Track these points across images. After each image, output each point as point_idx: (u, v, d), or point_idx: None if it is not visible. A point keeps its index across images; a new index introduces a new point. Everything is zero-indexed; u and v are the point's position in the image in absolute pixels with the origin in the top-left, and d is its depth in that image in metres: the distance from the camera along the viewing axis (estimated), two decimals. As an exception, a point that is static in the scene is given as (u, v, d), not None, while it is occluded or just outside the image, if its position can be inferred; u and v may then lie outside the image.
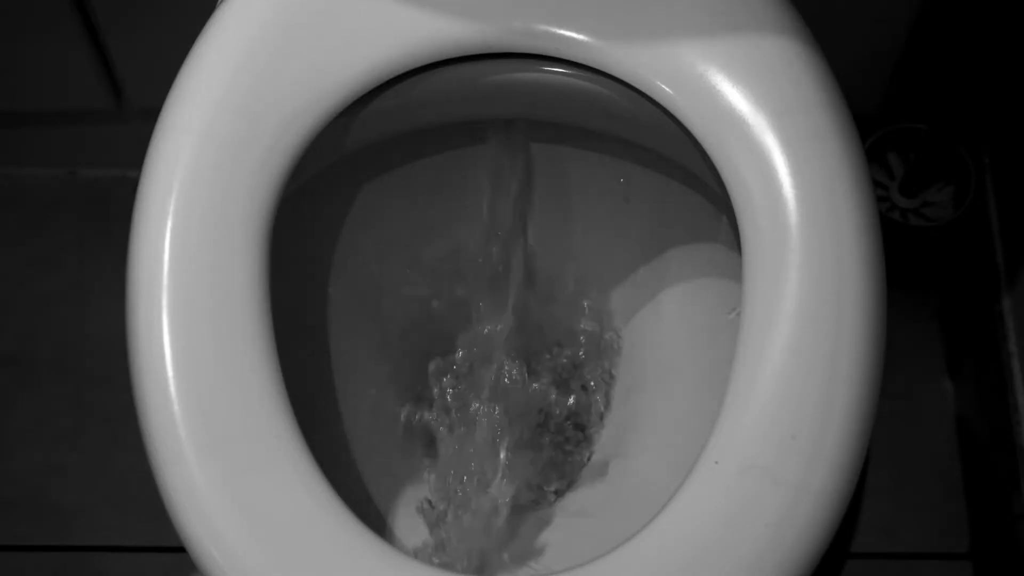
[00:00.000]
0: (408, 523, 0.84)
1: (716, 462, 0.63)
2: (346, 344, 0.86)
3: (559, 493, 0.89)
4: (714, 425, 0.64)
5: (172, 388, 0.64)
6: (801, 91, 0.70)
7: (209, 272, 0.67)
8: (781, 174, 0.68)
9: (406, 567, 0.62)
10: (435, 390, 0.90)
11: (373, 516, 0.83)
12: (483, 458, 0.85)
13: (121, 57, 1.07)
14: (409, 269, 0.91)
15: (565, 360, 0.94)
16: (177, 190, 0.68)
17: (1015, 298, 1.05)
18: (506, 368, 0.89)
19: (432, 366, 0.91)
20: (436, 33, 0.73)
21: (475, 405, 0.87)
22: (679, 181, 0.81)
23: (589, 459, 0.91)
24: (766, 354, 0.64)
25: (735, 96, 0.70)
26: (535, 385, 0.93)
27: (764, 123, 0.69)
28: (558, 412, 0.92)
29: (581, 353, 0.94)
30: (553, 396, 0.93)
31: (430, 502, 0.86)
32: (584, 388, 0.93)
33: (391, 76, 0.73)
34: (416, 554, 0.81)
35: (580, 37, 0.73)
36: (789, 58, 0.71)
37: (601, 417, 0.92)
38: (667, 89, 0.72)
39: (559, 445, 0.92)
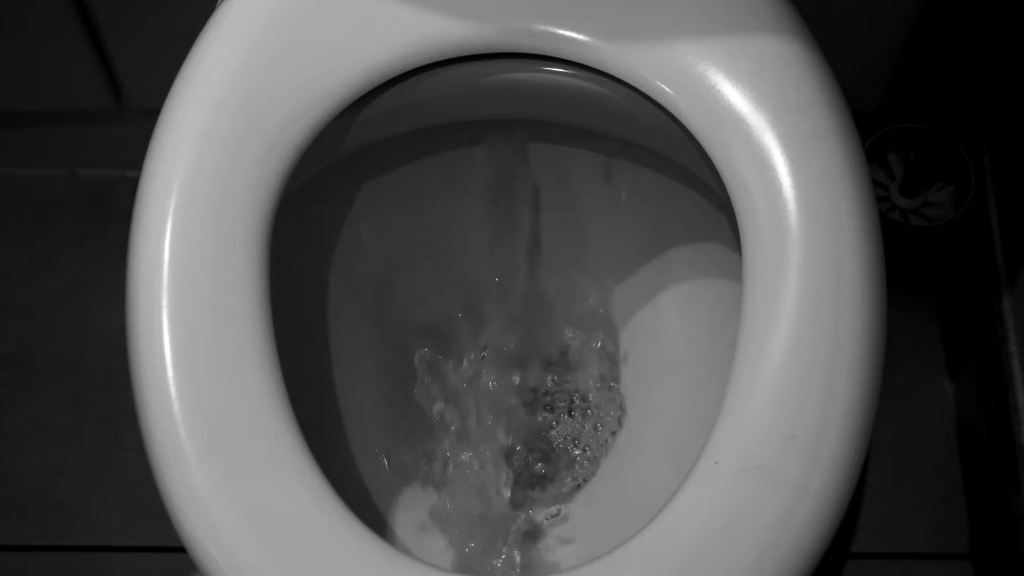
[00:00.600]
0: (408, 522, 0.85)
1: (716, 462, 0.63)
2: (346, 343, 0.86)
3: (558, 495, 0.90)
4: (714, 425, 0.64)
5: (172, 388, 0.64)
6: (801, 91, 0.70)
7: (209, 272, 0.67)
8: (781, 174, 0.68)
9: (406, 567, 0.62)
10: (436, 389, 0.90)
11: (373, 516, 0.83)
12: (484, 452, 0.86)
13: (121, 57, 1.07)
14: (409, 269, 0.91)
15: (565, 358, 0.94)
16: (177, 190, 0.68)
17: (1015, 298, 1.05)
18: (506, 369, 0.89)
19: (432, 365, 0.91)
20: (436, 33, 0.73)
21: (475, 407, 0.88)
22: (679, 181, 0.81)
23: (589, 460, 0.91)
24: (766, 354, 0.64)
25: (735, 96, 0.70)
26: (535, 385, 0.93)
27: (764, 123, 0.69)
28: (558, 412, 0.92)
29: (581, 353, 0.94)
30: (553, 397, 0.93)
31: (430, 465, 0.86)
32: (586, 389, 0.93)
33: (391, 76, 0.73)
34: (422, 527, 0.81)
35: (580, 37, 0.73)
36: (789, 58, 0.71)
37: (599, 424, 0.92)
38: (667, 89, 0.72)
39: (559, 445, 0.92)
